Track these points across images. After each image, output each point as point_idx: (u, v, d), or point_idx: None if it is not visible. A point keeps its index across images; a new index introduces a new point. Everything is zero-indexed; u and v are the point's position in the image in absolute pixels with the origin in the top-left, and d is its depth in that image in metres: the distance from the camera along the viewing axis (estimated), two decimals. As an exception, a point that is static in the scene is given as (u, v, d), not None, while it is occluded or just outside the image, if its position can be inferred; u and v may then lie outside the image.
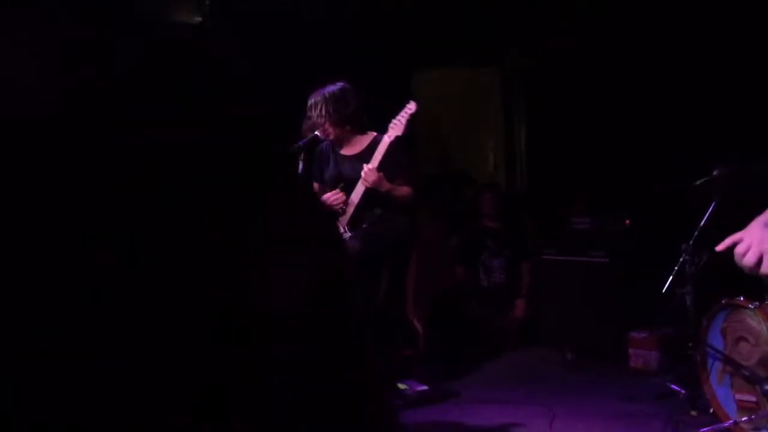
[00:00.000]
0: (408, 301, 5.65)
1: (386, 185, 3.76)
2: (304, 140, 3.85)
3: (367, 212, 3.83)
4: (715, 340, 3.63)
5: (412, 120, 3.83)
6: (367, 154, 3.81)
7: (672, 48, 5.27)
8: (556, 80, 6.22)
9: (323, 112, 3.75)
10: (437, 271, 5.84)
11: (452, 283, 5.89)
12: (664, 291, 3.86)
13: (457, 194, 6.61)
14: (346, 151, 3.89)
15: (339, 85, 3.83)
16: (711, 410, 3.60)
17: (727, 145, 4.31)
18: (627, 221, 5.28)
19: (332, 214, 3.69)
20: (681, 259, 3.82)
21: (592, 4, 5.85)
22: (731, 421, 3.45)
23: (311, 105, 3.80)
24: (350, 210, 3.82)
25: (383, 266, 3.91)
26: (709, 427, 3.44)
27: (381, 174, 3.73)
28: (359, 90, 3.88)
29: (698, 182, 3.81)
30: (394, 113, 3.86)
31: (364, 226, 3.82)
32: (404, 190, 3.80)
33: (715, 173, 3.73)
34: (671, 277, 3.83)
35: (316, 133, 3.80)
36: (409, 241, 3.95)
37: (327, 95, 3.78)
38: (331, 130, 3.81)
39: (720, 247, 1.78)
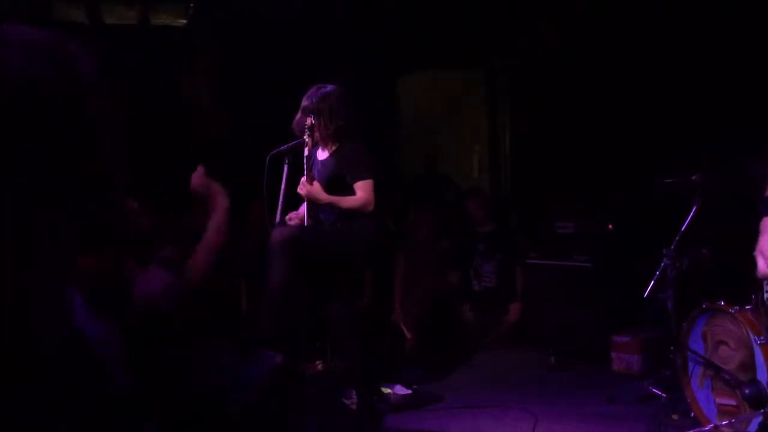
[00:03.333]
0: (396, 304, 5.66)
1: (323, 197, 3.72)
2: (288, 144, 3.84)
3: (322, 213, 3.83)
4: (696, 344, 3.66)
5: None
6: (329, 160, 3.80)
7: (657, 51, 5.30)
8: (542, 84, 6.25)
9: (324, 123, 3.71)
10: (427, 274, 5.83)
11: (443, 287, 5.88)
12: (645, 295, 3.88)
13: (439, 197, 6.63)
14: (320, 154, 3.89)
15: (338, 92, 3.77)
16: (692, 414, 3.62)
17: (711, 149, 4.35)
18: (610, 226, 5.31)
19: None
20: (662, 264, 3.85)
21: (578, 8, 5.89)
22: (712, 425, 3.47)
23: (313, 110, 3.73)
24: (306, 211, 3.82)
25: (340, 269, 3.89)
26: (689, 431, 3.47)
27: (313, 187, 3.72)
28: (352, 96, 3.85)
29: (669, 180, 3.83)
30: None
31: (323, 227, 3.82)
32: (350, 201, 3.69)
33: (694, 177, 3.76)
34: (653, 282, 3.86)
35: (305, 138, 3.78)
36: (369, 248, 3.86)
37: (330, 107, 3.72)
38: (324, 138, 3.79)
39: None
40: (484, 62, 6.95)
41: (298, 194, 3.81)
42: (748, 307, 3.39)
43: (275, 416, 2.15)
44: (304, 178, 3.76)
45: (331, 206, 3.74)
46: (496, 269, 5.84)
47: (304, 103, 3.77)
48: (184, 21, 5.39)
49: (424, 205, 6.19)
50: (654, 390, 4.06)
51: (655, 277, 3.85)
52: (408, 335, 5.53)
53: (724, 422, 3.43)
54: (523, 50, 6.53)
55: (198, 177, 2.29)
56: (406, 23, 6.13)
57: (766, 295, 3.22)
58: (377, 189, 3.74)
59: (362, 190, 3.68)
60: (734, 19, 4.73)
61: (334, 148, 3.80)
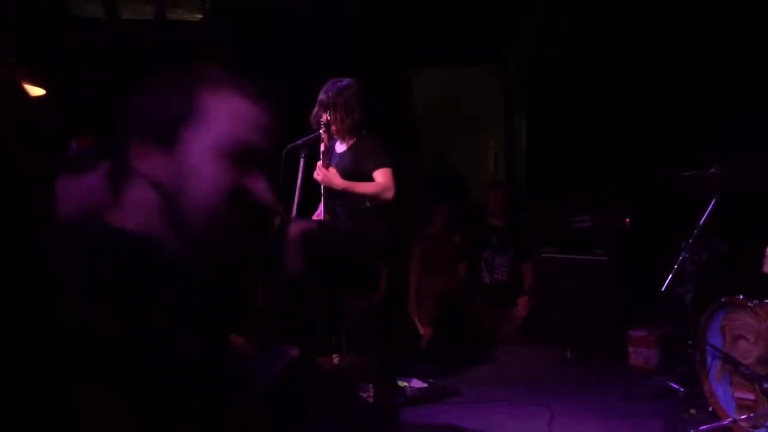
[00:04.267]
0: (410, 299, 5.66)
1: (339, 182, 3.72)
2: (304, 138, 3.84)
3: (338, 208, 3.83)
4: (715, 338, 3.64)
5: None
6: (347, 154, 3.80)
7: (673, 44, 5.26)
8: (557, 78, 6.21)
9: (340, 117, 3.72)
10: (441, 268, 5.83)
11: (458, 281, 5.88)
12: (663, 289, 3.85)
13: (450, 193, 6.61)
14: (339, 147, 3.89)
15: (354, 86, 3.77)
16: (710, 408, 3.61)
17: (728, 142, 4.31)
18: (627, 220, 5.28)
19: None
20: (680, 258, 3.82)
21: (593, 1, 5.85)
22: (730, 419, 3.45)
23: (329, 104, 3.73)
24: (323, 206, 3.84)
25: (356, 264, 3.90)
26: (708, 425, 3.45)
27: (329, 172, 3.72)
28: (366, 89, 3.85)
29: (687, 173, 3.81)
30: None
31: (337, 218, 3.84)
32: (368, 187, 3.70)
33: (713, 171, 3.73)
34: (671, 276, 3.83)
35: (320, 132, 3.78)
36: (385, 243, 3.86)
37: (347, 101, 3.72)
38: (341, 132, 3.80)
39: None
40: (499, 57, 6.92)
41: (314, 190, 3.82)
42: (767, 300, 3.37)
43: (290, 409, 2.15)
44: (320, 163, 3.76)
45: (347, 194, 3.74)
46: (509, 263, 5.84)
47: (321, 96, 3.77)
48: (200, 16, 5.41)
49: (436, 200, 6.19)
50: (672, 385, 4.04)
51: (673, 271, 3.82)
52: (421, 331, 5.53)
53: (742, 416, 3.41)
54: (539, 44, 6.49)
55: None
56: (420, 18, 6.11)
57: None
58: (395, 183, 3.73)
59: (381, 177, 3.67)
60: (755, 12, 4.68)
61: (351, 141, 3.81)
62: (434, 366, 4.92)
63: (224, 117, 0.96)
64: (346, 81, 3.78)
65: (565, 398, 4.18)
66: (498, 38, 6.61)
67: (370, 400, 3.93)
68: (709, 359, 3.67)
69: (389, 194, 3.67)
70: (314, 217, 3.89)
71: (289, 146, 3.82)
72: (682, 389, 3.90)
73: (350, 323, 4.01)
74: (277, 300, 3.82)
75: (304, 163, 3.82)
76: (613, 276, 5.13)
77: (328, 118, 3.72)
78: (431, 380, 4.54)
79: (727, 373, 3.57)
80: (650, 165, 5.11)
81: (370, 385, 3.97)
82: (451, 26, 6.22)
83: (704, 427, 3.43)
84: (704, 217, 3.79)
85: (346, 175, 3.75)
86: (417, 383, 4.45)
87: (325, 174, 3.73)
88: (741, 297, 3.49)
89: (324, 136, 3.75)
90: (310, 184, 3.81)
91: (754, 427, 3.35)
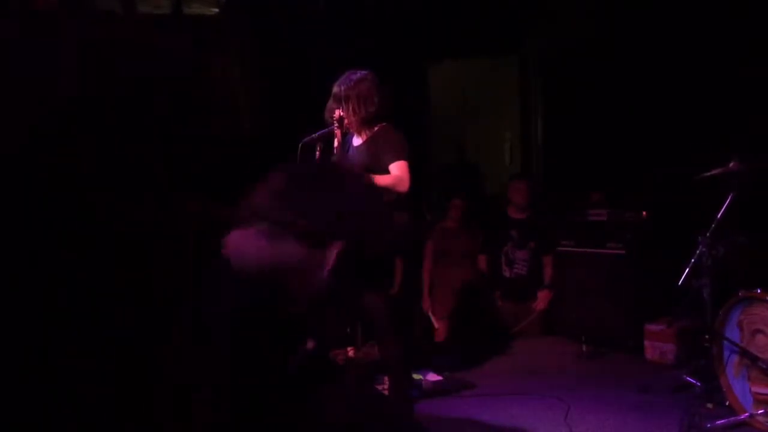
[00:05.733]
0: (424, 293, 5.67)
1: None
2: (320, 132, 3.84)
3: None
4: (732, 332, 3.62)
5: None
6: (363, 147, 3.80)
7: (691, 36, 5.22)
8: (574, 71, 6.19)
9: (352, 110, 3.70)
10: (458, 262, 5.83)
11: (474, 275, 5.87)
12: (680, 283, 3.84)
13: (466, 185, 6.60)
14: (355, 140, 3.89)
15: (369, 78, 3.76)
16: (727, 403, 3.59)
17: (748, 137, 4.28)
18: (644, 213, 5.25)
19: None
20: (698, 251, 3.80)
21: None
22: (747, 414, 3.44)
23: (343, 96, 3.72)
24: None
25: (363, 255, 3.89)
26: (724, 420, 3.43)
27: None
28: (381, 81, 3.82)
29: (712, 172, 3.78)
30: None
31: None
32: (383, 179, 3.63)
33: (731, 165, 3.70)
34: (688, 269, 3.81)
35: (334, 126, 3.78)
36: (403, 237, 3.85)
37: (360, 93, 3.71)
38: (354, 125, 3.79)
39: None
40: (515, 49, 6.90)
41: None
42: (785, 295, 3.35)
43: (306, 401, 2.17)
44: (334, 159, 3.76)
45: None
46: (530, 257, 5.80)
47: (335, 89, 3.76)
48: (216, 10, 5.42)
49: (452, 192, 6.17)
50: (688, 379, 4.03)
51: (690, 265, 3.80)
52: (436, 325, 5.53)
53: (759, 411, 3.40)
54: (556, 37, 6.46)
55: None
56: (436, 9, 6.10)
57: None
58: (411, 177, 3.72)
59: (397, 169, 3.65)
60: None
61: (368, 135, 3.80)
62: (450, 359, 4.93)
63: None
64: (360, 73, 3.77)
65: (582, 391, 4.18)
66: (515, 30, 6.60)
67: (386, 392, 3.94)
68: (726, 353, 3.66)
69: (404, 187, 3.63)
70: None
71: (306, 139, 3.82)
72: (698, 383, 3.88)
73: (369, 318, 4.02)
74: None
75: (320, 156, 3.82)
76: (630, 270, 5.12)
77: (341, 113, 3.71)
78: (446, 373, 4.55)
79: (745, 368, 3.55)
80: (667, 158, 5.08)
81: (386, 377, 3.98)
82: (468, 17, 6.21)
83: (721, 421, 3.42)
84: (722, 210, 3.77)
85: (361, 170, 3.75)
86: (432, 376, 4.46)
87: None
88: (759, 291, 3.47)
89: (337, 132, 3.75)
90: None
91: (772, 421, 3.34)
